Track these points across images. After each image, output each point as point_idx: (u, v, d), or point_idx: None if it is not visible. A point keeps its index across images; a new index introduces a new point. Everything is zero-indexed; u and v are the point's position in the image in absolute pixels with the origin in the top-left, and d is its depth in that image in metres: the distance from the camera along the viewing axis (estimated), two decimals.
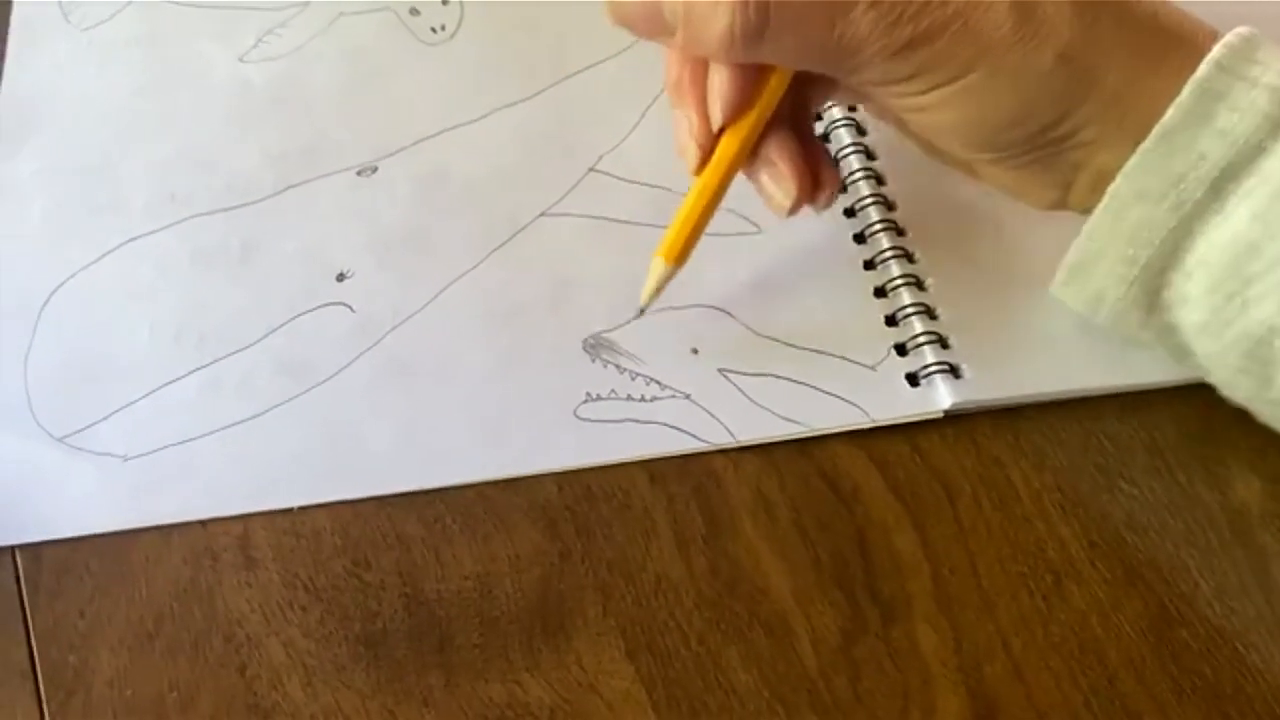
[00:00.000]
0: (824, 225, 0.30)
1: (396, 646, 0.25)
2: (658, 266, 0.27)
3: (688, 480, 0.27)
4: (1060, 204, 0.26)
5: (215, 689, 0.24)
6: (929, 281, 0.29)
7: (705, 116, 0.26)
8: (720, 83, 0.25)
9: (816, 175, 0.27)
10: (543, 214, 0.31)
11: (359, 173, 0.32)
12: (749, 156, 0.26)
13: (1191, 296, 0.24)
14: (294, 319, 0.29)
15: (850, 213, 0.31)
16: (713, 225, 0.31)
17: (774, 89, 0.26)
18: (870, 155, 0.31)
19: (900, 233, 0.30)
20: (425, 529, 0.26)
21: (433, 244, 0.31)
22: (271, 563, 0.26)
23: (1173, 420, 0.28)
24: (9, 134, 0.33)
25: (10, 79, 0.34)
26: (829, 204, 0.28)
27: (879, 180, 0.31)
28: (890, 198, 0.31)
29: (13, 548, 0.26)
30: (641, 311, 0.28)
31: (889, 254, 0.30)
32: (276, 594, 0.26)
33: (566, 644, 0.25)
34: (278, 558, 0.26)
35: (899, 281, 0.29)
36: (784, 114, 0.26)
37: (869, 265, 0.30)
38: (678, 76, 0.26)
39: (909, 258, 0.30)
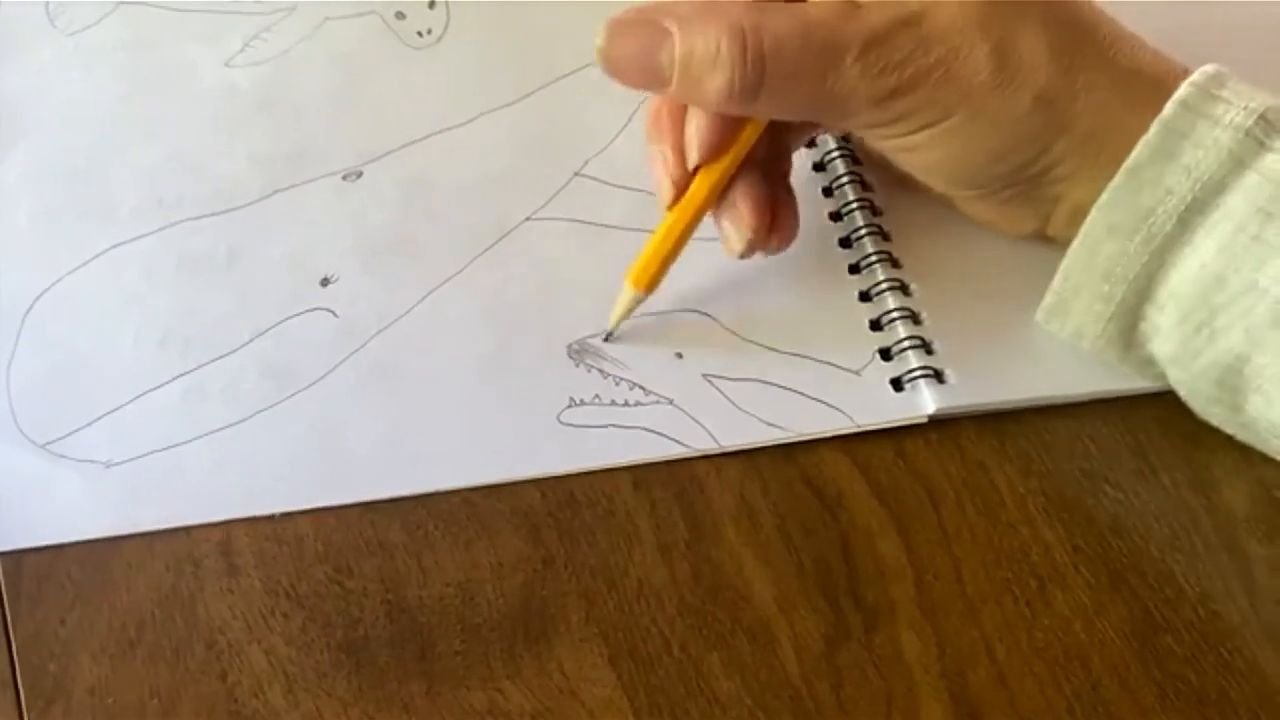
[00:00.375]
0: (810, 230, 0.29)
1: (378, 654, 0.25)
2: (628, 292, 0.28)
3: (671, 486, 0.27)
4: (1039, 233, 0.28)
5: (196, 696, 0.24)
6: (914, 286, 0.29)
7: (681, 155, 0.27)
8: (698, 126, 0.26)
9: (776, 218, 0.27)
10: (528, 218, 0.31)
11: (344, 177, 0.32)
12: (719, 196, 0.27)
13: (1163, 328, 0.25)
14: (279, 324, 0.29)
15: (836, 217, 0.31)
16: (698, 232, 0.31)
17: (749, 135, 0.27)
18: (855, 159, 0.31)
19: (885, 237, 0.30)
20: (408, 535, 0.26)
21: (418, 248, 0.31)
22: (253, 570, 0.26)
23: (1159, 425, 0.28)
24: None
25: None
26: (781, 249, 0.28)
27: (865, 185, 0.31)
28: (876, 203, 0.31)
29: None
30: (609, 335, 0.28)
31: (874, 259, 0.30)
32: (258, 601, 0.25)
33: (548, 651, 0.25)
34: (260, 565, 0.26)
35: (884, 286, 0.29)
36: (755, 156, 0.27)
37: (854, 270, 0.30)
38: (657, 113, 0.27)
39: (894, 262, 0.30)
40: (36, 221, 0.31)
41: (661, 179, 0.27)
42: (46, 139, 0.33)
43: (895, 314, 0.29)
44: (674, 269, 0.29)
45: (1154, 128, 0.24)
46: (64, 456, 0.27)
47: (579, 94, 0.33)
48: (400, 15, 0.35)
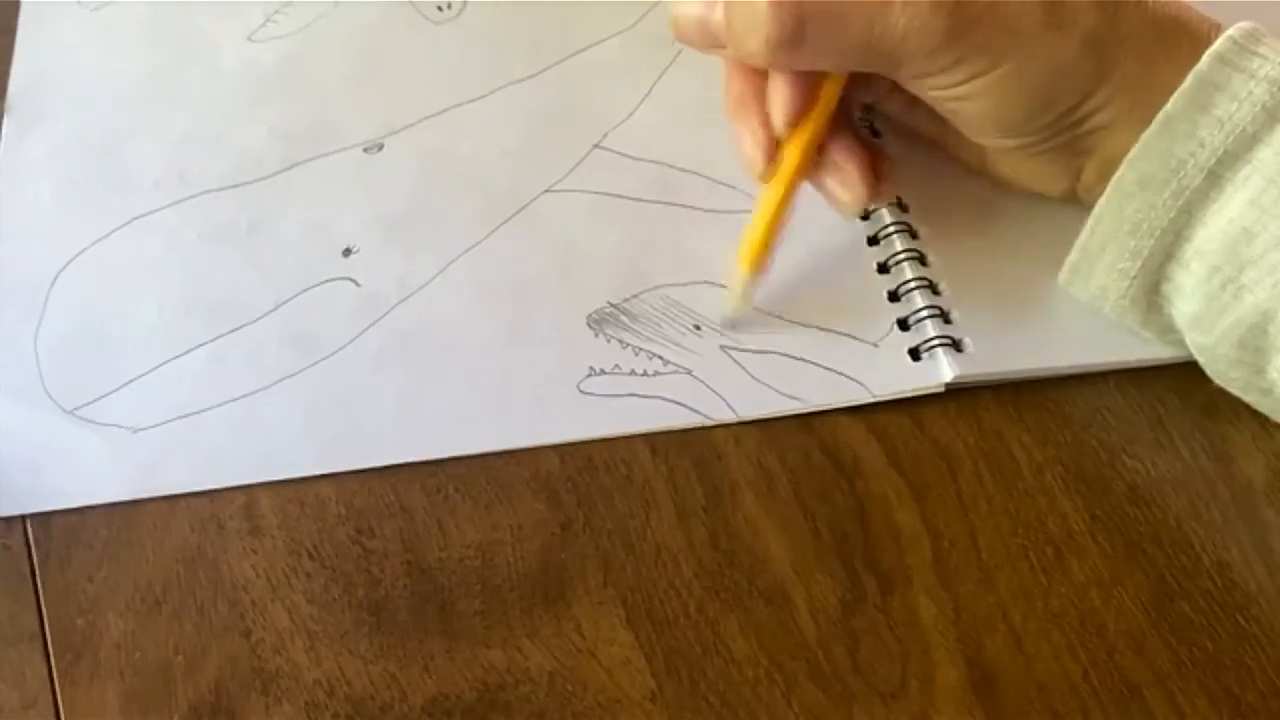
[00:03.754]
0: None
1: (399, 613, 0.25)
2: (742, 278, 0.28)
3: (689, 453, 0.27)
4: (1069, 193, 0.27)
5: (220, 653, 0.25)
6: (932, 257, 0.29)
7: (768, 126, 0.27)
8: (779, 92, 0.26)
9: (876, 167, 0.27)
10: (548, 190, 0.31)
11: (365, 150, 0.32)
12: (811, 162, 0.27)
13: (1187, 288, 0.25)
14: (300, 294, 0.30)
15: None
16: (717, 203, 0.31)
17: (830, 94, 0.27)
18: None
19: (903, 209, 0.30)
20: (428, 499, 0.27)
21: (438, 220, 0.31)
22: (276, 530, 0.26)
23: (1177, 395, 0.28)
24: (21, 114, 0.33)
25: (21, 60, 0.34)
26: (891, 196, 0.29)
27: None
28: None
29: (24, 517, 0.27)
30: (731, 325, 0.28)
31: (892, 229, 0.30)
32: (281, 561, 0.26)
33: (566, 611, 0.25)
34: (282, 526, 0.26)
35: (901, 256, 0.29)
36: (842, 118, 0.27)
37: (872, 241, 0.30)
38: (739, 92, 0.27)
39: (912, 233, 0.30)
40: (62, 194, 0.32)
41: (752, 152, 0.27)
42: (71, 113, 0.33)
43: (913, 284, 0.29)
44: (693, 243, 0.30)
45: (1189, 79, 0.24)
46: (91, 421, 0.28)
47: (598, 67, 0.33)
48: None
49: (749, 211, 0.30)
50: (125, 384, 0.28)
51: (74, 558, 0.26)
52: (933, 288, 0.29)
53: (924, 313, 0.28)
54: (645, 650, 0.25)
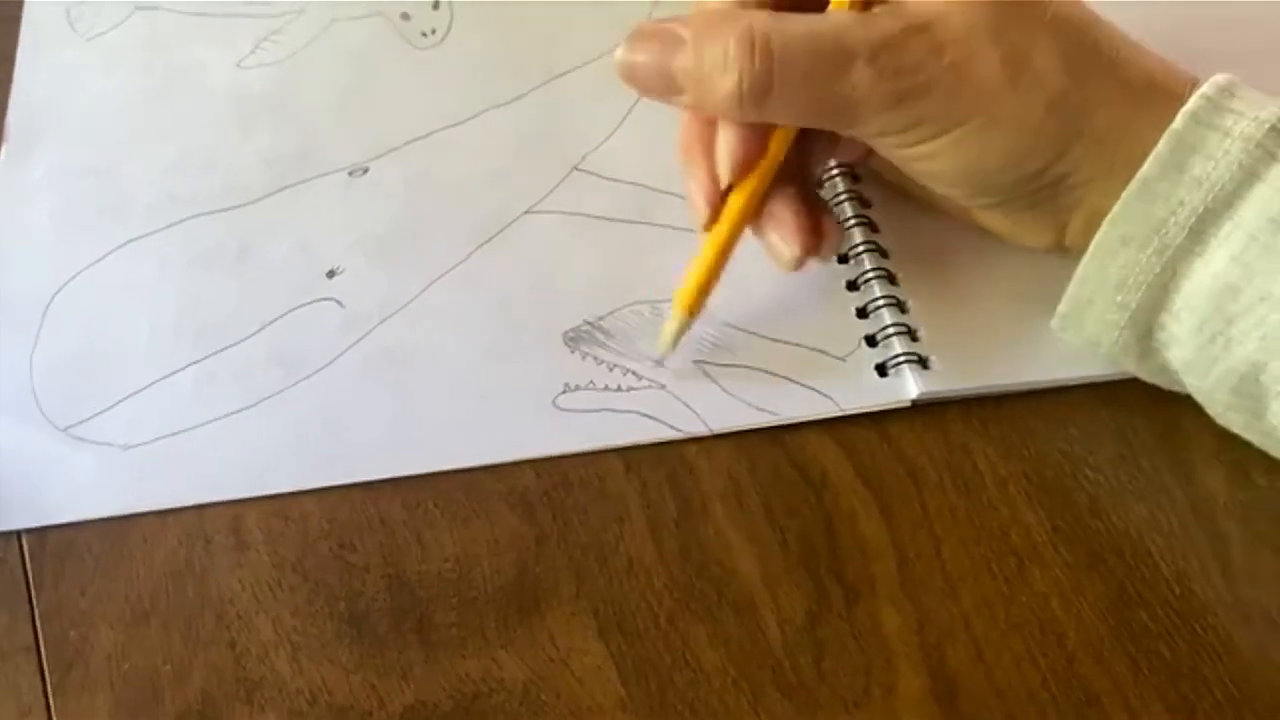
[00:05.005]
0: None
1: (379, 624, 0.26)
2: (677, 317, 0.28)
3: (661, 467, 0.28)
4: (1057, 246, 0.27)
5: (207, 663, 0.26)
6: (901, 275, 0.30)
7: (714, 176, 0.27)
8: (727, 143, 0.26)
9: (818, 227, 0.28)
10: (527, 211, 0.32)
11: (351, 173, 0.33)
12: (756, 213, 0.28)
13: (1180, 337, 0.25)
14: (286, 314, 0.31)
15: None
16: (690, 222, 0.32)
17: (778, 147, 0.27)
18: (855, 177, 0.32)
19: (874, 229, 0.31)
20: (408, 513, 0.28)
21: (421, 241, 0.32)
22: (262, 545, 0.27)
23: (1140, 410, 0.28)
24: (19, 138, 0.34)
25: (20, 86, 0.35)
26: (831, 254, 0.29)
27: (854, 179, 0.32)
28: (865, 195, 0.31)
29: (19, 531, 0.28)
30: (660, 362, 0.29)
31: (862, 248, 0.30)
32: (266, 575, 0.27)
33: (540, 623, 0.26)
34: (268, 541, 0.27)
35: (871, 275, 0.30)
36: (788, 172, 0.27)
37: (843, 259, 0.31)
38: (687, 142, 0.28)
39: (882, 252, 0.30)
40: (57, 218, 0.33)
41: (697, 202, 0.27)
42: (67, 138, 0.34)
43: (881, 301, 0.30)
44: (667, 262, 0.30)
45: (1164, 140, 0.24)
46: (83, 439, 0.29)
47: (577, 92, 0.34)
48: (405, 16, 0.36)
49: None
50: (117, 402, 0.29)
51: (67, 572, 0.27)
52: (900, 306, 0.30)
53: (891, 330, 0.29)
54: (616, 660, 0.25)
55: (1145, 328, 0.26)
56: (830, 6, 0.26)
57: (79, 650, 0.26)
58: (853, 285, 0.30)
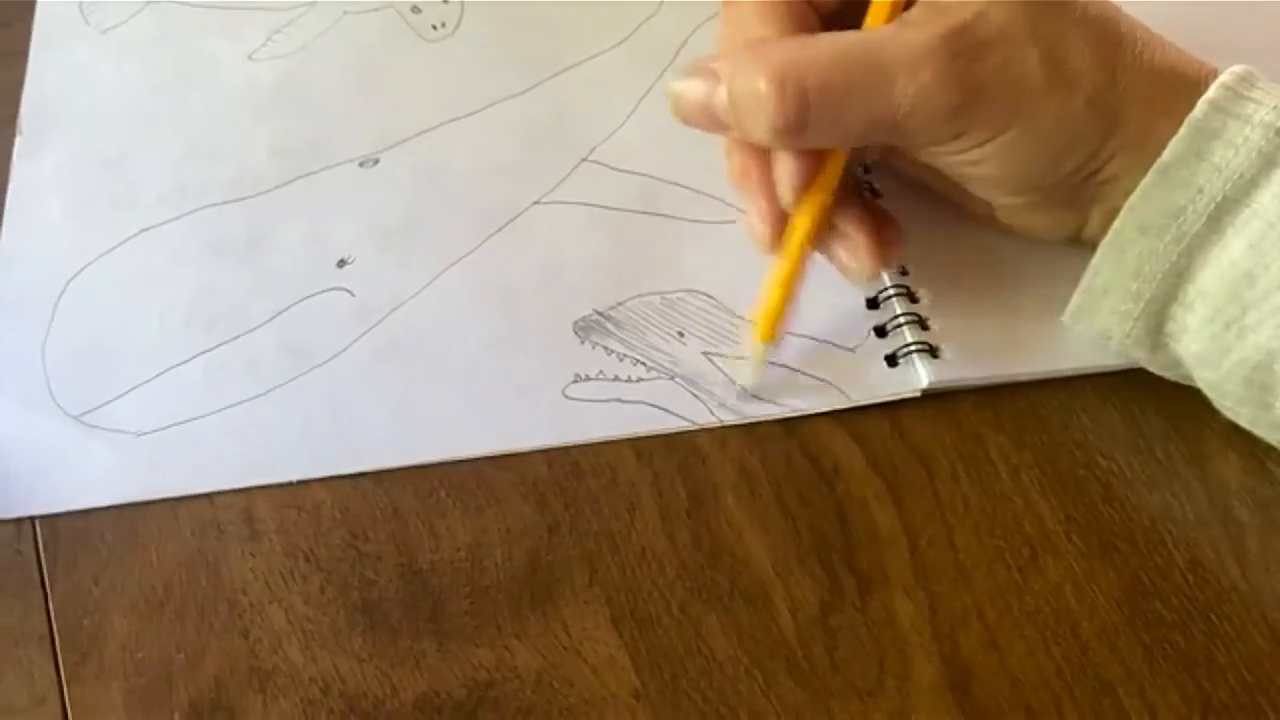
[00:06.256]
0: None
1: (391, 613, 0.26)
2: (758, 347, 0.28)
3: (673, 457, 0.28)
4: (1075, 238, 0.27)
5: (220, 652, 0.26)
6: (910, 266, 0.30)
7: (773, 199, 0.27)
8: (784, 167, 0.26)
9: (884, 238, 0.27)
10: (537, 202, 0.32)
11: (361, 164, 0.33)
12: (820, 232, 0.27)
13: (1191, 328, 0.25)
14: (297, 304, 0.31)
15: None
16: (700, 214, 0.32)
17: (835, 164, 0.27)
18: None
19: None
20: (420, 503, 0.28)
21: (430, 231, 0.32)
22: (274, 534, 0.27)
23: (1153, 398, 0.28)
24: (32, 131, 0.34)
25: (33, 79, 0.35)
26: (896, 261, 0.28)
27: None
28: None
29: (33, 519, 0.28)
30: (751, 391, 0.28)
31: None
32: (278, 564, 0.27)
33: (553, 611, 0.26)
34: (280, 530, 0.27)
35: None
36: (846, 184, 0.27)
37: None
38: (742, 166, 0.27)
39: None
40: (70, 208, 0.33)
41: (756, 224, 0.27)
42: (79, 130, 0.34)
43: (891, 291, 0.29)
44: (677, 253, 0.30)
45: (1184, 128, 0.24)
46: (96, 427, 0.29)
47: (587, 83, 0.34)
48: (416, 9, 0.36)
49: (731, 222, 0.31)
50: (129, 390, 0.29)
51: (81, 561, 0.27)
52: (910, 295, 0.29)
53: (901, 319, 0.29)
54: (629, 649, 0.25)
55: (1158, 319, 0.26)
56: (870, 11, 0.26)
57: (92, 639, 0.26)
58: None
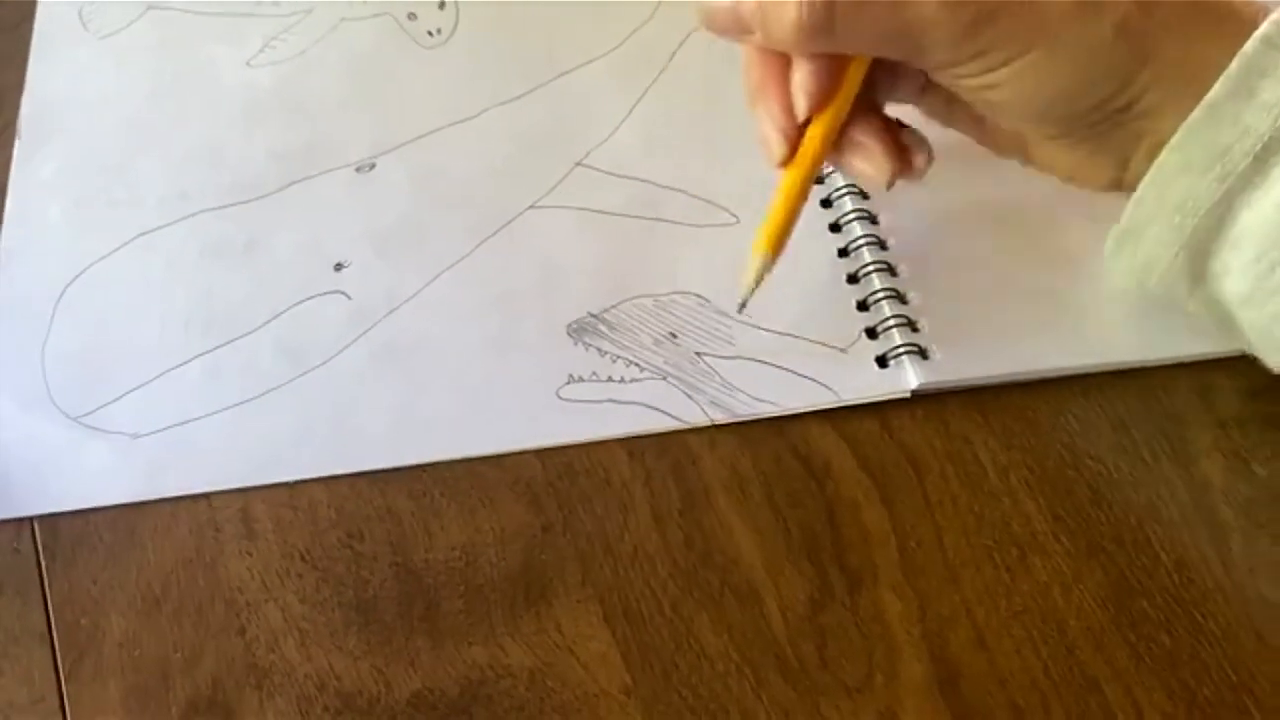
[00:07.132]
0: (801, 218, 0.30)
1: (386, 612, 0.26)
2: (758, 258, 0.27)
3: (665, 457, 0.28)
4: (1118, 183, 0.26)
5: (217, 650, 0.26)
6: (901, 268, 0.30)
7: (790, 111, 0.27)
8: (803, 77, 0.26)
9: (903, 151, 0.27)
10: (531, 206, 0.33)
11: (358, 169, 0.34)
12: (834, 145, 0.27)
13: (1235, 267, 0.25)
14: (294, 307, 0.31)
15: (826, 204, 0.32)
16: (693, 218, 0.32)
17: (854, 78, 0.27)
18: None
19: (873, 221, 0.31)
20: (415, 503, 0.28)
21: (427, 235, 0.32)
22: (271, 534, 0.27)
23: (1139, 399, 0.29)
24: (32, 135, 0.35)
25: (33, 84, 0.36)
26: (927, 167, 0.27)
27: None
28: (864, 190, 0.32)
29: (32, 519, 0.28)
30: (743, 305, 0.28)
31: (862, 242, 0.31)
32: (275, 563, 0.27)
33: (547, 610, 0.26)
34: (277, 529, 0.28)
35: (871, 267, 0.30)
36: (861, 104, 0.27)
37: (843, 253, 0.31)
38: (760, 79, 0.27)
39: (881, 245, 0.31)
40: (69, 212, 0.33)
41: (771, 136, 0.27)
42: (79, 135, 0.35)
43: (881, 294, 0.30)
44: (669, 254, 0.31)
45: (1235, 63, 0.23)
46: (94, 428, 0.29)
47: (581, 89, 0.35)
48: (412, 16, 0.37)
49: (724, 225, 0.32)
50: (127, 392, 0.30)
51: (79, 561, 0.27)
52: (900, 297, 0.30)
53: (891, 321, 0.29)
54: (621, 647, 0.26)
55: (1201, 254, 0.25)
56: None
57: (91, 637, 0.26)
58: (853, 278, 0.31)
